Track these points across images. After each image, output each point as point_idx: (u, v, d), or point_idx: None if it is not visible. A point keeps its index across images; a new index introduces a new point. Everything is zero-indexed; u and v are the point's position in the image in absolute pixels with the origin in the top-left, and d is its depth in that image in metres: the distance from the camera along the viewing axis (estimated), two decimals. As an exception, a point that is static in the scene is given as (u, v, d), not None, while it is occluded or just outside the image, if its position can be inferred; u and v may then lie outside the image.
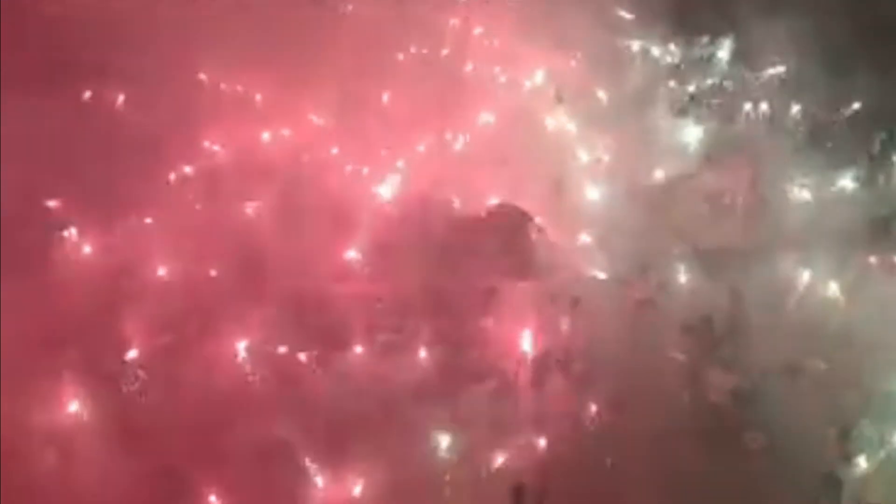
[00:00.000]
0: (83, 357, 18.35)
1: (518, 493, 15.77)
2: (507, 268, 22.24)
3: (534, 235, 23.48)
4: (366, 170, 25.50)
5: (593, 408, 18.13)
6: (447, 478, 16.77)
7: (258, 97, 27.77)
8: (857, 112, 27.83)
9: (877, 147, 26.57)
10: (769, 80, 30.05)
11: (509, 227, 23.61)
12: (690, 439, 17.79)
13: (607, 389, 18.42)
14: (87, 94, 26.95)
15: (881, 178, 25.98)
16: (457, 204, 24.68)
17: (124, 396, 18.06)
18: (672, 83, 30.31)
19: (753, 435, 18.02)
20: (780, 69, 29.97)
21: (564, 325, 20.15)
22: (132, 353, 18.68)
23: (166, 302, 20.14)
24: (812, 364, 19.44)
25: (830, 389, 18.68)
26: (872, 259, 22.51)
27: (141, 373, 18.33)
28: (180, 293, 20.57)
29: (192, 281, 20.93)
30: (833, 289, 21.62)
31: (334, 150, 26.22)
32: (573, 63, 30.55)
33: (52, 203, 22.41)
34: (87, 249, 21.84)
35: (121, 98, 27.17)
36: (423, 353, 19.50)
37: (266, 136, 26.14)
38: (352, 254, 22.41)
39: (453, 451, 17.17)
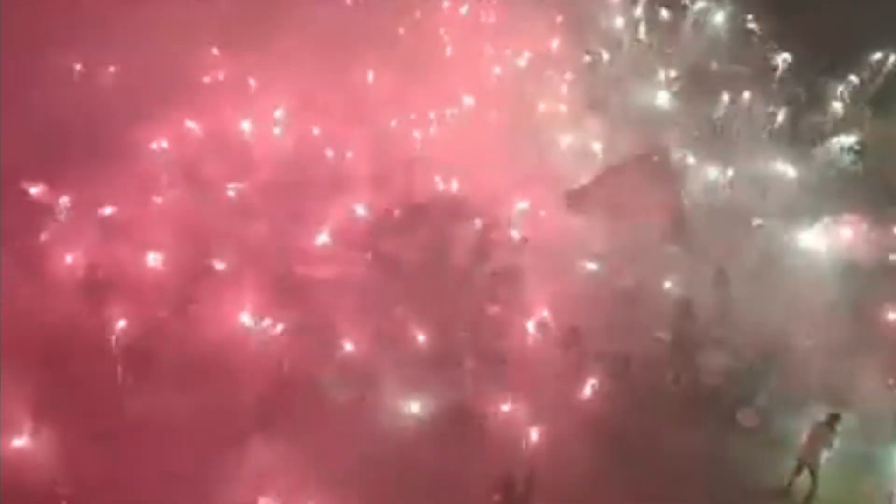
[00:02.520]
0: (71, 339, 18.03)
1: (508, 480, 15.60)
2: (493, 251, 22.06)
3: (520, 219, 23.31)
4: (350, 152, 25.19)
5: (586, 391, 18.10)
6: (436, 461, 16.65)
7: (246, 79, 27.45)
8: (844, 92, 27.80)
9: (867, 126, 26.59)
10: (756, 61, 30.08)
11: (495, 209, 23.46)
12: (684, 420, 17.85)
13: (600, 372, 18.34)
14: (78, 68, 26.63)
15: (872, 156, 25.95)
16: (440, 185, 24.47)
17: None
18: (659, 63, 30.20)
19: (746, 413, 18.15)
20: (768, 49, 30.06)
21: (555, 310, 19.92)
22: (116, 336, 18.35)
23: (146, 286, 19.85)
24: (798, 343, 19.51)
25: (816, 367, 18.76)
26: (861, 236, 22.61)
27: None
28: (162, 276, 20.25)
29: (175, 264, 20.53)
30: (818, 265, 21.80)
31: (317, 132, 25.98)
32: (561, 43, 30.41)
33: (36, 185, 21.99)
34: (70, 230, 21.27)
35: (110, 71, 26.82)
36: (412, 336, 19.22)
37: (251, 117, 25.69)
38: (335, 236, 22.17)
39: (441, 433, 17.10)
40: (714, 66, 30.45)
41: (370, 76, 27.97)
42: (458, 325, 19.63)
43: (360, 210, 22.82)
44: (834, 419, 16.67)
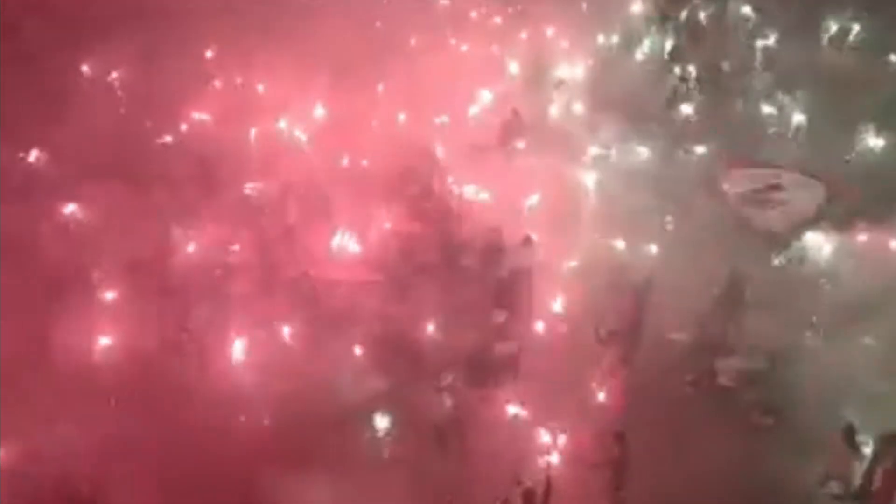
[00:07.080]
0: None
1: (525, 491, 15.46)
2: (506, 253, 21.89)
3: (531, 223, 23.23)
4: (364, 159, 25.14)
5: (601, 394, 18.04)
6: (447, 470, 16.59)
7: (256, 84, 27.35)
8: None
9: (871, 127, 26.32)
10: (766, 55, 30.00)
11: (508, 214, 23.36)
12: (699, 424, 17.74)
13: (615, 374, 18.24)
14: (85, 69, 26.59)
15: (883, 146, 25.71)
16: (456, 190, 24.36)
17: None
18: (673, 66, 30.10)
19: (762, 415, 18.02)
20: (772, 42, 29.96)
21: (568, 312, 20.01)
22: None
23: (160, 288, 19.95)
24: (813, 342, 19.47)
25: (832, 366, 18.58)
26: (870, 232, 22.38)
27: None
28: (177, 278, 20.36)
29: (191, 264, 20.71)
30: (830, 264, 21.66)
31: (329, 135, 25.88)
32: (572, 45, 30.35)
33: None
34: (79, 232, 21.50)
35: (114, 75, 26.80)
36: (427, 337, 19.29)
37: (265, 121, 25.71)
38: (348, 239, 22.18)
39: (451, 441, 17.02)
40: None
41: (382, 83, 27.88)
42: (468, 327, 19.58)
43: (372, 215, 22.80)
44: (850, 432, 16.53)
